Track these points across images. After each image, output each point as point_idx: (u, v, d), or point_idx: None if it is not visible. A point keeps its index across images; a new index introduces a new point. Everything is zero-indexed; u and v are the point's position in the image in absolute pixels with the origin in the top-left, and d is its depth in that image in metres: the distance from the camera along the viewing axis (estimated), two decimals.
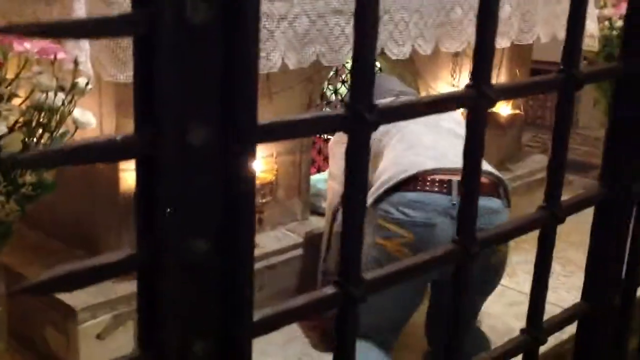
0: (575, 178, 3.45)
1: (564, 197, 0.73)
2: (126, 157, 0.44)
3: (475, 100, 0.59)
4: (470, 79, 0.59)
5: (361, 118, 0.50)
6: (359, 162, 0.52)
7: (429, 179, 1.76)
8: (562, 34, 2.58)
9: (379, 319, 1.76)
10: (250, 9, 0.43)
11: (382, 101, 0.54)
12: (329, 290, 0.56)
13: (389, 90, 2.11)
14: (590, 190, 0.84)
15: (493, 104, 0.61)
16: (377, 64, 2.74)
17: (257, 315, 0.51)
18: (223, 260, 0.47)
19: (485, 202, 1.69)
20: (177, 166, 0.43)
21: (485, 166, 1.77)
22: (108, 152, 0.42)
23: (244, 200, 0.47)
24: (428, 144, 1.86)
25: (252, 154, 0.46)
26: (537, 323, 0.76)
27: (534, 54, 3.07)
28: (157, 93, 0.42)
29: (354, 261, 0.56)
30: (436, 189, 1.75)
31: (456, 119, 2.00)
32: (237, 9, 0.43)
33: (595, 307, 0.86)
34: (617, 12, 2.87)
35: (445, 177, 1.76)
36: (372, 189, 1.79)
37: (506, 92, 0.67)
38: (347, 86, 2.73)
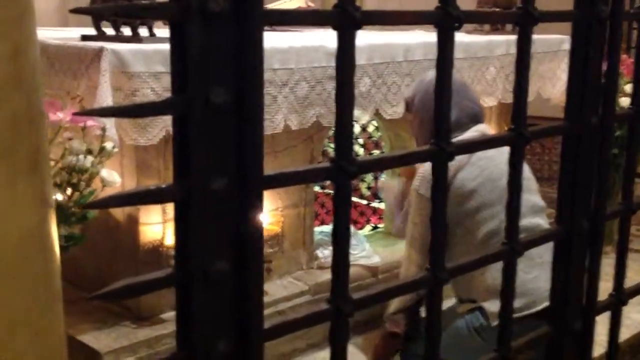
0: None
1: None
2: (166, 201, 0.60)
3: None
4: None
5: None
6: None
7: None
8: (546, 92, 2.77)
9: None
10: (256, 94, 0.60)
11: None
12: (323, 306, 0.71)
13: (464, 117, 2.01)
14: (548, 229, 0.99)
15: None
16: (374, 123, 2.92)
17: (267, 324, 0.66)
18: (239, 278, 0.63)
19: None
20: (203, 207, 0.59)
21: None
22: (153, 197, 0.58)
23: (254, 230, 0.62)
24: None
25: (259, 197, 0.62)
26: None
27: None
28: (192, 153, 0.58)
29: (343, 281, 0.71)
30: None
31: None
32: (246, 94, 0.59)
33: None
34: None
35: None
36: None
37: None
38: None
